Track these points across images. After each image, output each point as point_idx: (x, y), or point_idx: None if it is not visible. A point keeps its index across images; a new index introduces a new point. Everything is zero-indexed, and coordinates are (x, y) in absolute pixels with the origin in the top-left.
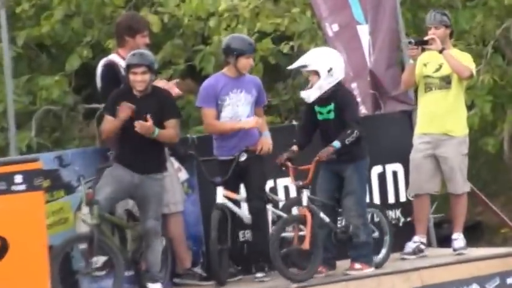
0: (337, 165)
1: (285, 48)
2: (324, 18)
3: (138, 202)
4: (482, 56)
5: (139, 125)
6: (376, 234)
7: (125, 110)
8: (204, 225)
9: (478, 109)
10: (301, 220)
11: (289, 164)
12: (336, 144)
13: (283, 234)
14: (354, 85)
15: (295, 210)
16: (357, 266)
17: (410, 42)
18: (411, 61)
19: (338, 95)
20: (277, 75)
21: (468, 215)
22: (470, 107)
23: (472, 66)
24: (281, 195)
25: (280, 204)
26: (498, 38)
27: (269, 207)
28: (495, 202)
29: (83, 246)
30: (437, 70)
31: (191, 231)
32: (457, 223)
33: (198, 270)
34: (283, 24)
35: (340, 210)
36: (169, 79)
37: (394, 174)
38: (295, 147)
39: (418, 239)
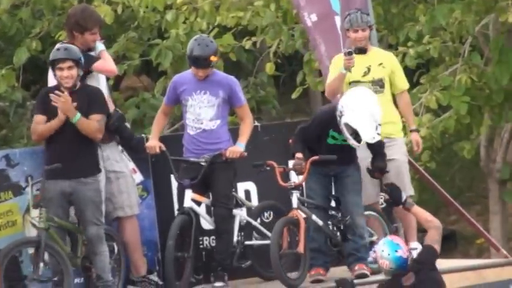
0: (334, 167)
1: (247, 44)
2: (301, 7)
3: (75, 209)
4: (459, 55)
5: (54, 97)
6: (375, 237)
7: (61, 100)
8: (159, 230)
9: (454, 111)
10: (294, 223)
11: (274, 164)
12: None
13: (248, 243)
14: None
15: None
16: (365, 267)
17: (350, 53)
18: (343, 71)
19: None
20: (239, 73)
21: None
22: (445, 109)
23: (403, 76)
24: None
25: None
26: (476, 35)
27: (238, 211)
28: (470, 211)
29: (31, 251)
30: (365, 74)
31: (146, 236)
32: (411, 232)
33: (154, 277)
34: (245, 18)
35: (333, 213)
36: (123, 75)
37: None
38: (299, 154)
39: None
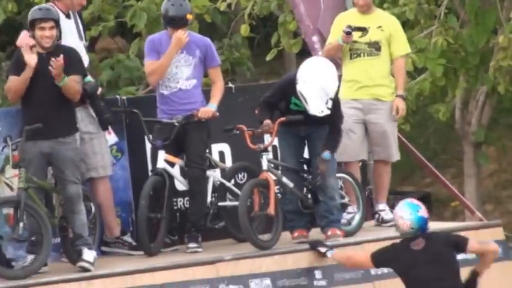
0: (305, 128)
1: (221, 5)
2: None
3: (54, 169)
4: (435, 17)
5: (54, 62)
6: (346, 199)
7: (30, 55)
8: (133, 191)
9: (429, 73)
10: (264, 185)
11: (243, 127)
12: (327, 156)
13: (221, 204)
14: (314, 38)
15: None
16: (338, 232)
17: (349, 33)
18: (341, 42)
19: None
20: (213, 34)
21: (416, 187)
22: (420, 71)
23: (403, 41)
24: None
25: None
26: None
27: (211, 173)
28: (445, 173)
29: (7, 210)
30: (364, 35)
31: (120, 197)
32: (383, 193)
33: (127, 238)
34: None
35: (305, 175)
36: (98, 36)
37: None
38: (268, 121)
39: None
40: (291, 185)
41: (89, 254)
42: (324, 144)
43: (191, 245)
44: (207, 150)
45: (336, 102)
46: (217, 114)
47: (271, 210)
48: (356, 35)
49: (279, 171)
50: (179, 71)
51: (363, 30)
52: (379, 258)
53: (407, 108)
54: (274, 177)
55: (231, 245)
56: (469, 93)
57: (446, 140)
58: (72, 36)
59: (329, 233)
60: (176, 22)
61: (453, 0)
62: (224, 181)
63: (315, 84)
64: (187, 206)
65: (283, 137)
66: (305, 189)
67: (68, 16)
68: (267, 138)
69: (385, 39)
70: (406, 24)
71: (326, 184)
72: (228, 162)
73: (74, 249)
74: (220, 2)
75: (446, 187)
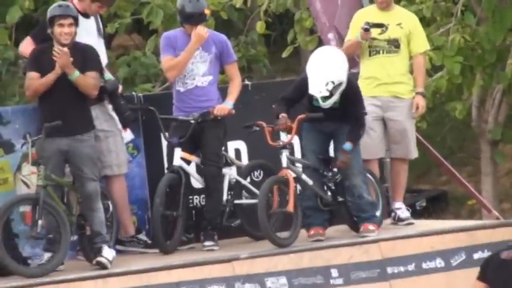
0: (330, 125)
1: (237, 2)
2: None
3: (71, 166)
4: (451, 14)
5: (57, 52)
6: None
7: (62, 55)
8: (149, 189)
9: (446, 71)
10: (284, 182)
11: (263, 124)
12: (349, 147)
13: (237, 202)
14: (330, 35)
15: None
16: (371, 227)
17: (367, 29)
18: (360, 39)
19: (346, 89)
20: (229, 31)
21: (433, 185)
22: (437, 68)
23: (422, 38)
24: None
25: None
26: None
27: (227, 171)
28: (462, 172)
29: (23, 208)
30: (382, 32)
31: (136, 195)
32: (400, 191)
33: (142, 237)
34: None
35: (325, 173)
36: (114, 33)
37: None
38: (284, 114)
39: None
40: (310, 182)
41: (108, 252)
42: (347, 135)
43: (207, 243)
44: (223, 148)
45: (358, 96)
46: (233, 111)
47: (290, 207)
48: (375, 32)
49: (299, 168)
50: (195, 68)
51: (382, 26)
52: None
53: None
54: (293, 174)
55: (247, 243)
56: (485, 91)
57: (463, 138)
58: (90, 35)
59: (361, 228)
60: (194, 18)
61: None
62: (240, 179)
63: (316, 65)
64: (203, 203)
65: (307, 133)
66: (325, 186)
67: (85, 16)
68: (284, 135)
69: (405, 37)
70: (423, 22)
71: (352, 183)
72: (244, 160)
73: (93, 246)
74: None
75: (463, 185)
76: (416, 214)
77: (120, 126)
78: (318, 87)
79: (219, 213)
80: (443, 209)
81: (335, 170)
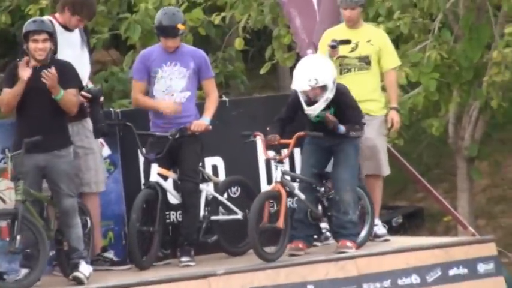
0: (330, 140)
1: (216, 19)
2: None
3: (49, 182)
4: (429, 31)
5: (46, 74)
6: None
7: (25, 69)
8: (126, 205)
9: (423, 88)
10: (275, 197)
11: (260, 135)
12: (341, 129)
13: (214, 218)
14: (309, 51)
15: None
16: (349, 244)
17: (333, 46)
18: (328, 57)
19: (337, 98)
20: (208, 48)
21: (409, 201)
22: (413, 85)
23: (393, 54)
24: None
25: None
26: (446, 12)
27: (204, 186)
28: (438, 188)
29: (0, 223)
30: (353, 50)
31: (113, 211)
32: (376, 208)
33: (108, 255)
34: None
35: (318, 187)
36: (92, 49)
37: None
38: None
39: None
40: (303, 196)
41: (85, 268)
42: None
43: (184, 258)
44: (200, 164)
45: (352, 103)
46: (210, 127)
47: (280, 223)
48: (345, 50)
49: (294, 183)
50: (174, 84)
51: (348, 43)
52: None
53: (401, 122)
54: (287, 189)
55: (224, 259)
56: (462, 108)
57: (440, 155)
58: (72, 48)
59: (339, 244)
60: (168, 31)
61: (447, 15)
62: (217, 195)
63: (302, 65)
64: (180, 219)
65: (307, 147)
66: (317, 201)
67: (67, 29)
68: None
69: (375, 53)
70: (400, 38)
71: (341, 199)
72: (222, 176)
73: (70, 262)
74: (214, 15)
75: (439, 202)
76: (393, 230)
77: (99, 141)
78: (299, 82)
79: (196, 229)
80: (419, 225)
81: (328, 185)
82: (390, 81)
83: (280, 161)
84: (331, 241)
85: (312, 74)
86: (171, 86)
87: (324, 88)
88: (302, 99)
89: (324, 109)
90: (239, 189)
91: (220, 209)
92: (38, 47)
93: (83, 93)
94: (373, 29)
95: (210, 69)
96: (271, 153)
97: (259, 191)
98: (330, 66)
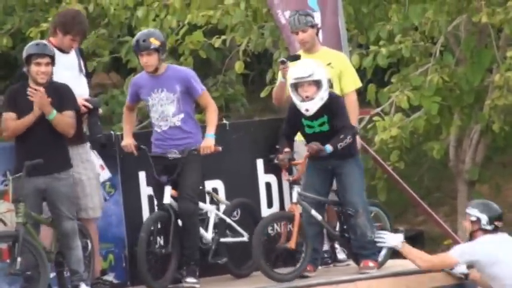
0: (332, 161)
1: (216, 42)
2: (275, 5)
3: (49, 205)
4: (430, 55)
5: (31, 91)
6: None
7: (37, 94)
8: (126, 227)
9: (424, 111)
10: (289, 217)
11: (285, 160)
12: (328, 148)
13: (223, 240)
14: None
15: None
16: (371, 264)
17: (283, 62)
18: (282, 79)
19: (331, 105)
20: (208, 71)
21: (409, 225)
22: (414, 109)
23: (353, 75)
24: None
25: (223, 207)
26: (447, 36)
27: (213, 208)
28: (438, 212)
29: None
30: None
31: (113, 233)
32: None
33: (108, 277)
34: (215, 16)
35: (336, 209)
36: (93, 71)
37: None
38: (288, 149)
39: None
40: (320, 217)
41: None
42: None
43: (189, 279)
44: (204, 186)
45: (341, 110)
46: (220, 149)
47: (292, 244)
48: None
49: (308, 204)
50: (165, 109)
51: (298, 58)
52: None
53: (401, 145)
54: (301, 210)
55: (229, 281)
56: (463, 132)
57: (440, 178)
58: (69, 70)
59: (361, 265)
60: (139, 46)
61: (448, 38)
62: (224, 217)
63: (301, 64)
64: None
65: (309, 171)
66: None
67: (63, 51)
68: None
69: (336, 76)
70: (401, 62)
71: (356, 223)
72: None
73: (70, 284)
74: (215, 38)
75: (440, 225)
76: (393, 253)
77: (98, 163)
78: (297, 71)
79: (198, 249)
80: (420, 249)
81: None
82: (350, 103)
83: (295, 181)
84: (341, 264)
85: (308, 67)
86: (163, 112)
87: (319, 85)
88: (297, 100)
89: (318, 118)
90: (240, 211)
91: (227, 231)
92: (40, 70)
93: (83, 102)
94: (332, 52)
95: (199, 85)
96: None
97: (259, 214)
98: (325, 69)
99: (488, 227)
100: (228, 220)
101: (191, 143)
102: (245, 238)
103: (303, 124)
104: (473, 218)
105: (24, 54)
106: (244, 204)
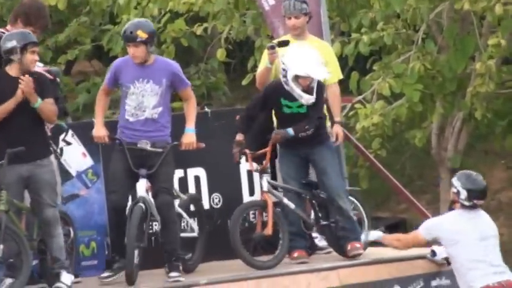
0: (303, 149)
1: (198, 30)
2: None
3: (31, 192)
4: (412, 42)
5: (23, 80)
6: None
7: (28, 84)
8: (108, 215)
9: (406, 99)
10: (262, 205)
11: (247, 151)
12: (290, 132)
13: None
14: None
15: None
16: (358, 245)
17: (272, 47)
18: (269, 65)
19: (316, 91)
20: (190, 58)
21: (392, 213)
22: (396, 97)
23: (336, 67)
24: (191, 186)
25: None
26: (429, 23)
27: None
28: (421, 199)
29: None
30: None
31: (96, 221)
32: None
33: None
34: (197, 4)
35: (307, 197)
36: (74, 59)
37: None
38: (240, 137)
39: None
40: (292, 206)
41: (66, 277)
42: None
43: (173, 274)
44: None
45: (323, 92)
46: (203, 145)
47: (268, 231)
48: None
49: (280, 193)
50: (146, 100)
51: (287, 44)
52: None
53: (383, 133)
54: (274, 199)
55: (210, 269)
56: (445, 119)
57: (423, 166)
58: None
59: (349, 247)
60: (127, 37)
61: (431, 26)
62: (182, 211)
63: (306, 56)
64: (161, 236)
65: (282, 159)
66: (316, 205)
67: None
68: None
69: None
70: (383, 49)
71: (340, 206)
72: (204, 187)
73: (52, 272)
74: (196, 26)
75: (422, 213)
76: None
77: (80, 151)
78: (321, 71)
79: (179, 243)
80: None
81: (321, 194)
82: (333, 94)
83: (263, 171)
84: (321, 251)
85: (320, 60)
86: (143, 103)
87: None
88: (297, 89)
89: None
90: (193, 206)
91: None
92: (35, 58)
93: (42, 72)
94: (319, 41)
95: (184, 78)
96: (254, 165)
97: (241, 202)
98: (316, 56)
99: (466, 203)
100: (185, 215)
101: (163, 136)
102: (195, 234)
103: (281, 104)
104: (455, 190)
105: (20, 43)
106: (193, 199)
